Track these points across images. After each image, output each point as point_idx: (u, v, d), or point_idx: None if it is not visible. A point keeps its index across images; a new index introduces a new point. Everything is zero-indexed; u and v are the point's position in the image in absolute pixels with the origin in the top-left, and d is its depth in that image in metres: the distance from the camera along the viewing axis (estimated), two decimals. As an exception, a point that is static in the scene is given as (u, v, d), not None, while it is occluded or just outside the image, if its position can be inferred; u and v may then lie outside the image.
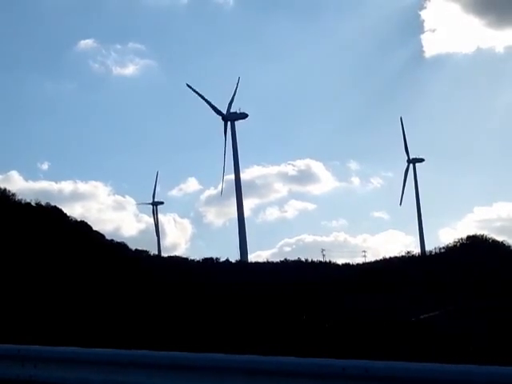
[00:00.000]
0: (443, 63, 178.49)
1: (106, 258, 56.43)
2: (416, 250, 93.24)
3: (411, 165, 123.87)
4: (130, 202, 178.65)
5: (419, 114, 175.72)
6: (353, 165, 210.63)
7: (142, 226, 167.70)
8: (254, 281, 59.53)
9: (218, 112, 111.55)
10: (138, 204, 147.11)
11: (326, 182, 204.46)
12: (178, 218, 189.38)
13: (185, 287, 53.00)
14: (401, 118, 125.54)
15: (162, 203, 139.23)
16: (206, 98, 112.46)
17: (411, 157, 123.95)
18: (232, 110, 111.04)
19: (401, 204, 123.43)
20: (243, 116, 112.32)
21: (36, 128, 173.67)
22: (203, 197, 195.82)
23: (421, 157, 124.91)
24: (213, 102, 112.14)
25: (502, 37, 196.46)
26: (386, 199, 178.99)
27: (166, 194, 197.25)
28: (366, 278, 64.84)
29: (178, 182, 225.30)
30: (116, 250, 63.09)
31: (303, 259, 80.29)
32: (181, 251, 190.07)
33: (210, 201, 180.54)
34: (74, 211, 69.88)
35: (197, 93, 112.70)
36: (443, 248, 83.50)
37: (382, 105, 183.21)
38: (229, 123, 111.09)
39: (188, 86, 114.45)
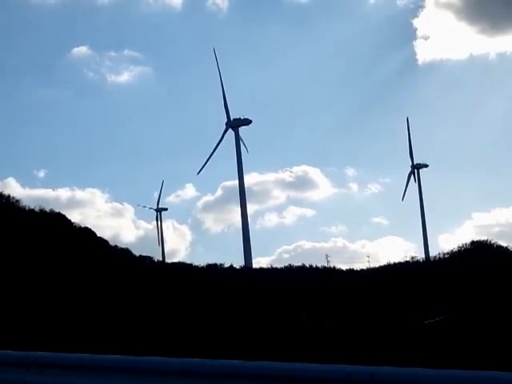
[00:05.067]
0: (436, 70, 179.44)
1: (111, 263, 56.42)
2: (418, 256, 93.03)
3: (415, 170, 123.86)
4: (127, 209, 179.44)
5: (413, 120, 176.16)
6: (350, 171, 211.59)
7: (141, 232, 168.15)
8: (261, 286, 59.47)
9: (225, 132, 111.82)
10: (138, 206, 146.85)
11: (324, 188, 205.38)
12: (176, 224, 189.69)
13: (192, 292, 52.98)
14: (407, 119, 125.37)
15: (166, 209, 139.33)
16: (211, 154, 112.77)
17: (415, 162, 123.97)
18: (236, 117, 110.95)
19: (403, 199, 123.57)
20: (247, 122, 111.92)
21: (32, 135, 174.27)
22: (200, 203, 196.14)
23: (425, 163, 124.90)
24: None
25: (495, 44, 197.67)
26: (385, 205, 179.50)
27: (163, 200, 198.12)
28: (371, 283, 64.72)
29: (175, 189, 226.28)
30: (120, 256, 63.08)
31: (307, 265, 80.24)
32: (181, 257, 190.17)
33: (208, 207, 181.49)
34: (71, 218, 70.10)
35: (206, 162, 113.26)
36: (447, 253, 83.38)
37: (376, 111, 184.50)
38: (231, 130, 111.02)
39: (198, 173, 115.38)
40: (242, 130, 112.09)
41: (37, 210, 63.73)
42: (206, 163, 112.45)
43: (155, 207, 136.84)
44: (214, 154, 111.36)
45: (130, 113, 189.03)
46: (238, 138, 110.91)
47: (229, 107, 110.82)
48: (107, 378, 9.71)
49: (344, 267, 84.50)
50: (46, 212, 64.26)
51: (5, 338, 26.70)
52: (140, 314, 43.90)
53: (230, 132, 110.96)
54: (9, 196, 64.87)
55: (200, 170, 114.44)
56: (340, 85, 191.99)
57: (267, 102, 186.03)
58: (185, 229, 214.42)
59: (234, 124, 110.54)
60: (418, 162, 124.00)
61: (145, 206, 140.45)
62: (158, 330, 39.47)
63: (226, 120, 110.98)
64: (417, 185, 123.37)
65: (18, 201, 64.39)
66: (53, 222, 60.74)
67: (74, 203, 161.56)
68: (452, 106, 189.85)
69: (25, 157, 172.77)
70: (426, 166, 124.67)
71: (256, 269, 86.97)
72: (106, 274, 52.35)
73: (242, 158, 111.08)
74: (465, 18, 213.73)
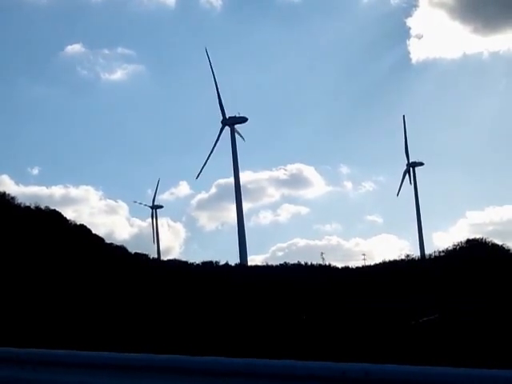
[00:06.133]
0: (430, 69, 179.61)
1: (107, 261, 56.38)
2: (413, 254, 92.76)
3: (411, 168, 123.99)
4: (121, 206, 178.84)
5: (407, 118, 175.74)
6: (344, 169, 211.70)
7: (135, 230, 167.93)
8: (258, 284, 59.48)
9: (221, 131, 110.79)
10: (135, 202, 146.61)
11: (318, 186, 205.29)
12: (170, 222, 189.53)
13: (189, 290, 52.99)
14: (403, 117, 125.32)
15: (161, 207, 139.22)
16: (208, 157, 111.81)
17: (411, 160, 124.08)
18: (231, 114, 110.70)
19: (398, 195, 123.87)
20: (243, 120, 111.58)
21: (26, 133, 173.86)
22: (194, 201, 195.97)
23: (420, 161, 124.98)
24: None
25: (488, 43, 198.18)
26: (379, 203, 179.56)
27: (157, 197, 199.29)
28: (366, 281, 64.76)
29: (168, 186, 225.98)
30: (116, 254, 63.06)
31: (302, 262, 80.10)
32: (175, 255, 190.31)
33: (202, 205, 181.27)
34: (66, 215, 69.93)
35: (204, 165, 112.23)
36: (443, 251, 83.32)
37: (369, 110, 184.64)
38: (228, 127, 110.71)
39: (197, 177, 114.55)
40: (238, 127, 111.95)
41: (32, 207, 63.66)
42: (204, 166, 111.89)
43: (151, 204, 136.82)
44: (211, 154, 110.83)
45: (124, 110, 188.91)
46: (233, 136, 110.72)
47: (224, 106, 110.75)
48: (102, 375, 9.71)
49: (338, 265, 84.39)
50: (41, 209, 64.18)
51: (0, 335, 26.68)
52: (137, 312, 43.88)
53: (226, 130, 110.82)
54: (4, 193, 64.79)
55: (198, 174, 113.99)
56: (334, 84, 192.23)
57: (261, 101, 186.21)
58: (179, 226, 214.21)
59: (230, 122, 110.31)
60: (413, 160, 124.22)
61: (141, 203, 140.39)
62: (155, 328, 39.46)
63: (221, 118, 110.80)
64: (412, 183, 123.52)
65: (13, 198, 64.35)
66: (48, 220, 60.67)
67: (67, 200, 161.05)
68: (446, 105, 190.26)
69: (18, 154, 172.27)
70: (422, 164, 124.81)
71: (252, 266, 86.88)
72: (103, 272, 52.32)
73: (238, 157, 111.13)
74: (458, 17, 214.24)
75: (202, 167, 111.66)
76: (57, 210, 66.61)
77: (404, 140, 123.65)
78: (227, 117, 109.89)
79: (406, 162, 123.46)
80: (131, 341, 31.08)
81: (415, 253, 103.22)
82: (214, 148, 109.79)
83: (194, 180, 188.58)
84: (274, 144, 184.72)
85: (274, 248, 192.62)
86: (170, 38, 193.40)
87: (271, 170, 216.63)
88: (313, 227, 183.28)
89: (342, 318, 46.50)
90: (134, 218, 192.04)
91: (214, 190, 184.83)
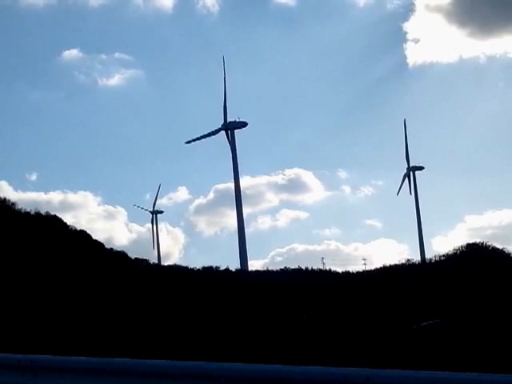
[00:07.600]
0: (427, 73, 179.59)
1: (108, 266, 56.35)
2: (414, 258, 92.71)
3: (411, 172, 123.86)
4: (120, 212, 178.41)
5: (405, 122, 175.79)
6: (342, 174, 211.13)
7: (134, 235, 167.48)
8: (261, 288, 59.47)
9: (218, 130, 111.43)
10: (134, 206, 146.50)
11: (316, 190, 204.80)
12: (169, 227, 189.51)
13: (191, 295, 52.96)
14: (404, 121, 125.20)
15: (161, 212, 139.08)
16: (205, 134, 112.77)
17: (411, 164, 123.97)
18: (231, 119, 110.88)
19: (398, 194, 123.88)
20: (243, 125, 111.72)
21: (23, 138, 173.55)
22: (193, 206, 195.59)
23: (419, 165, 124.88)
24: (207, 130, 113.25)
25: (485, 47, 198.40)
26: (378, 207, 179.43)
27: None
28: (368, 285, 64.74)
29: (167, 191, 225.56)
30: (117, 259, 63.03)
31: (303, 267, 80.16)
32: (175, 260, 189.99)
33: (200, 210, 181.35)
34: (65, 221, 69.62)
35: (197, 138, 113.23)
36: (443, 256, 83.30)
37: (367, 114, 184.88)
38: (228, 132, 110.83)
39: (187, 142, 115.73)
40: (238, 132, 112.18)
41: (32, 212, 63.65)
42: (198, 139, 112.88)
43: (151, 209, 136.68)
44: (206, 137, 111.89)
45: (122, 116, 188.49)
46: (233, 141, 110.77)
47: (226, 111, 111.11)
48: (103, 381, 9.69)
49: (338, 270, 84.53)
50: (41, 215, 64.18)
51: (0, 340, 26.65)
52: (139, 317, 43.85)
53: (224, 134, 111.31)
54: (4, 199, 64.79)
55: (190, 142, 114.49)
56: (331, 88, 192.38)
57: (258, 105, 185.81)
58: (178, 232, 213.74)
59: (230, 126, 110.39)
60: (413, 164, 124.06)
61: (142, 208, 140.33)
62: (157, 333, 39.44)
63: (221, 122, 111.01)
64: (413, 192, 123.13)
65: (13, 204, 64.34)
66: (49, 225, 60.66)
67: (66, 206, 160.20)
68: (443, 110, 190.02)
69: (17, 160, 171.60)
70: (422, 168, 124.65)
71: (253, 271, 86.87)
72: (105, 277, 52.28)
73: (238, 162, 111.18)
74: (455, 21, 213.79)
75: (198, 138, 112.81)
76: (57, 215, 66.67)
77: (405, 144, 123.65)
78: (227, 121, 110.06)
79: (407, 166, 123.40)
80: (132, 346, 31.06)
81: (415, 257, 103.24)
82: (207, 135, 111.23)
83: (193, 185, 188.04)
84: (272, 149, 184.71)
85: (273, 253, 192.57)
86: (168, 42, 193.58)
87: (269, 175, 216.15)
88: (312, 232, 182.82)
89: (343, 322, 46.47)
90: (132, 224, 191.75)
91: (212, 195, 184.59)
